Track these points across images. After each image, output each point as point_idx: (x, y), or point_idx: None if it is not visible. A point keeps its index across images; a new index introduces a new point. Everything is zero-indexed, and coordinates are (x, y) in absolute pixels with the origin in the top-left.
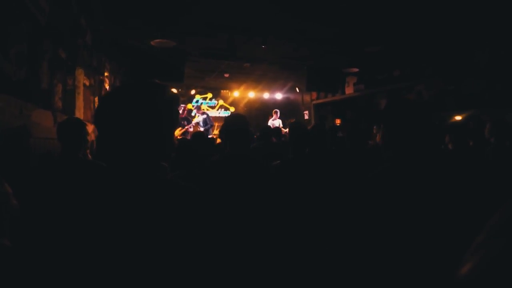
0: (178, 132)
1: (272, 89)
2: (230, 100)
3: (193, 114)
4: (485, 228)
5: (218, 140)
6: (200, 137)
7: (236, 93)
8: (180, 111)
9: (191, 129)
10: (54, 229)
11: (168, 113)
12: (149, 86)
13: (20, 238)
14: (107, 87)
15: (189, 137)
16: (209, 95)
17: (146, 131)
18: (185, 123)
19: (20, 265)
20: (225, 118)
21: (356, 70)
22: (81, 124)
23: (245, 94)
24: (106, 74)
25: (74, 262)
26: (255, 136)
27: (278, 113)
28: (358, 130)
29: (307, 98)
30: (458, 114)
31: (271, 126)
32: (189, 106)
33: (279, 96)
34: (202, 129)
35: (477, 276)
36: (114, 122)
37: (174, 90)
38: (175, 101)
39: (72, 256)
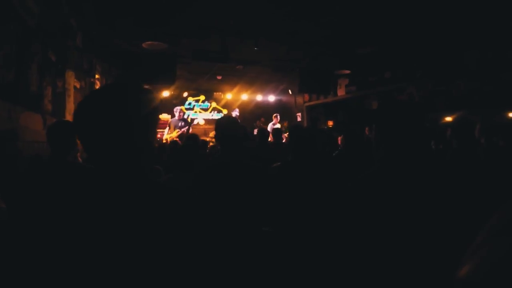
0: (175, 134)
1: (265, 91)
2: (222, 102)
3: (185, 116)
4: (484, 229)
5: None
6: (193, 140)
7: (229, 95)
8: (177, 113)
9: (190, 130)
10: (38, 232)
11: (145, 114)
12: (125, 88)
13: (7, 240)
14: None
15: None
16: (202, 97)
17: (123, 133)
18: (183, 123)
19: (7, 268)
20: (216, 121)
21: (348, 72)
22: (70, 127)
23: (238, 96)
24: (97, 76)
25: (60, 265)
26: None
27: (278, 117)
28: (352, 132)
29: (299, 100)
30: (449, 115)
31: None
32: (182, 108)
33: (272, 98)
34: None
35: (481, 276)
36: (91, 124)
37: (166, 93)
38: (153, 101)
39: (58, 259)
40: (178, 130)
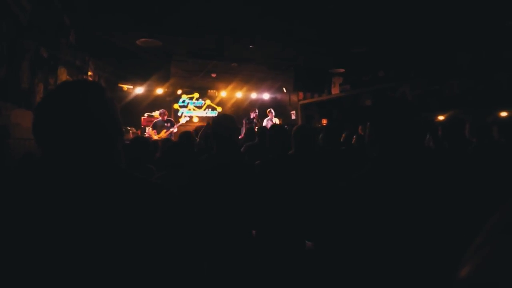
0: (163, 134)
1: (259, 89)
2: (217, 100)
3: (179, 114)
4: (485, 229)
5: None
6: (186, 137)
7: (223, 93)
8: (161, 115)
9: (175, 130)
10: (22, 228)
11: (107, 110)
12: (79, 85)
13: None
14: None
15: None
16: (196, 95)
17: (88, 130)
18: (169, 125)
19: None
20: (213, 118)
21: (342, 70)
22: None
23: (232, 94)
24: (90, 73)
25: (46, 260)
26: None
27: (273, 112)
28: (335, 130)
29: (294, 98)
30: (442, 114)
31: (267, 126)
32: (176, 106)
33: (266, 96)
34: None
35: (482, 276)
36: (56, 122)
37: (160, 90)
38: (110, 98)
39: (42, 258)
40: (165, 130)
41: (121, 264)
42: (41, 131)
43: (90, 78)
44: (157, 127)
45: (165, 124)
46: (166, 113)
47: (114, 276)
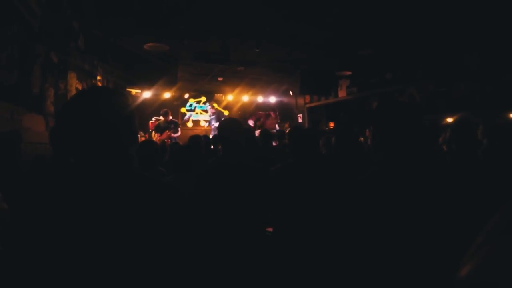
0: (165, 135)
1: (266, 93)
2: (224, 103)
3: (186, 117)
4: (485, 229)
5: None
6: (195, 141)
7: (230, 97)
8: (164, 115)
9: (178, 133)
10: (38, 231)
11: (125, 114)
12: (101, 92)
13: (10, 241)
14: None
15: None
16: (203, 98)
17: (107, 133)
18: (172, 126)
19: (9, 269)
20: (219, 122)
21: (349, 73)
22: None
23: (239, 98)
24: (99, 77)
25: (62, 263)
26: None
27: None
28: (349, 133)
29: (300, 101)
30: (450, 116)
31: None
32: (183, 109)
33: (273, 99)
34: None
35: (482, 275)
36: (77, 126)
37: (168, 94)
38: (129, 102)
39: (60, 257)
40: (167, 131)
41: (133, 257)
42: (59, 137)
43: (99, 83)
44: (160, 129)
45: (169, 125)
46: (170, 113)
47: (124, 271)
